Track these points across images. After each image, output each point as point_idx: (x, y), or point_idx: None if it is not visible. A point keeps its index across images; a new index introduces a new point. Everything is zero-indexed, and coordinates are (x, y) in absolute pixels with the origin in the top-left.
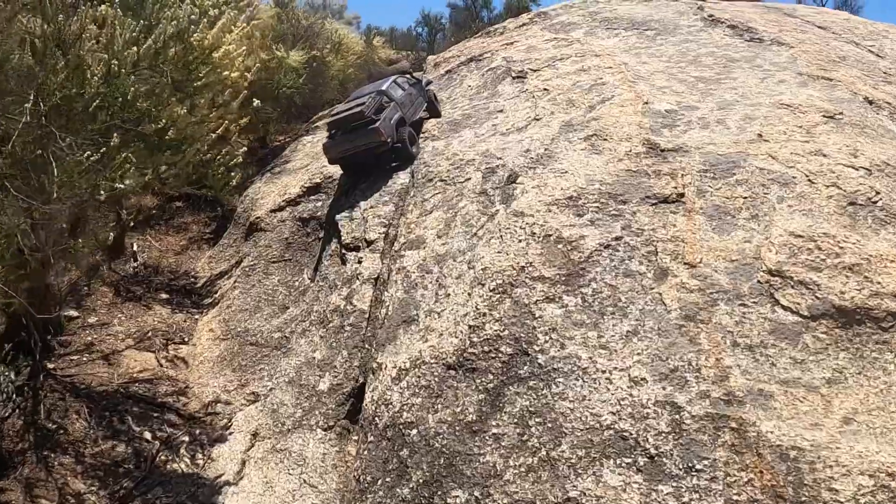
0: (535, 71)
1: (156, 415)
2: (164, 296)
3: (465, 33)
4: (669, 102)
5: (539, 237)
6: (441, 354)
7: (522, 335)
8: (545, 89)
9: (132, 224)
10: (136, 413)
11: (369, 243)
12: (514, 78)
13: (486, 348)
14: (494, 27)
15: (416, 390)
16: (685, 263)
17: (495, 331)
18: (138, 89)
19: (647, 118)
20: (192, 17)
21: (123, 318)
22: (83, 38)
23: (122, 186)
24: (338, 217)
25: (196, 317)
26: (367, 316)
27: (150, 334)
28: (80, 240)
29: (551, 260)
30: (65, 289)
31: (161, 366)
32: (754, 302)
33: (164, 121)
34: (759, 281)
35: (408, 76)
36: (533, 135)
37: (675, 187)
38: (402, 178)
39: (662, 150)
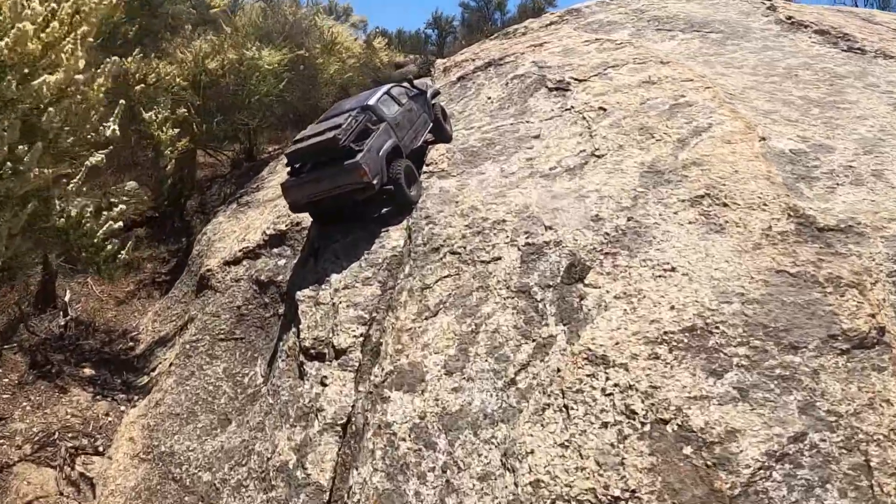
0: (580, 81)
1: None
2: (88, 371)
3: (476, 36)
4: (790, 137)
5: (643, 422)
6: None
7: None
8: (601, 108)
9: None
10: None
11: (339, 352)
12: (550, 89)
13: None
14: (514, 27)
15: None
16: None
17: None
18: None
19: (773, 164)
20: None
21: (29, 408)
22: None
23: None
24: (299, 296)
25: (122, 407)
26: (325, 501)
27: (57, 437)
28: None
29: (673, 486)
30: None
31: (61, 493)
32: None
33: None
34: None
35: (407, 85)
36: (598, 184)
37: (871, 314)
38: (393, 238)
39: (821, 230)
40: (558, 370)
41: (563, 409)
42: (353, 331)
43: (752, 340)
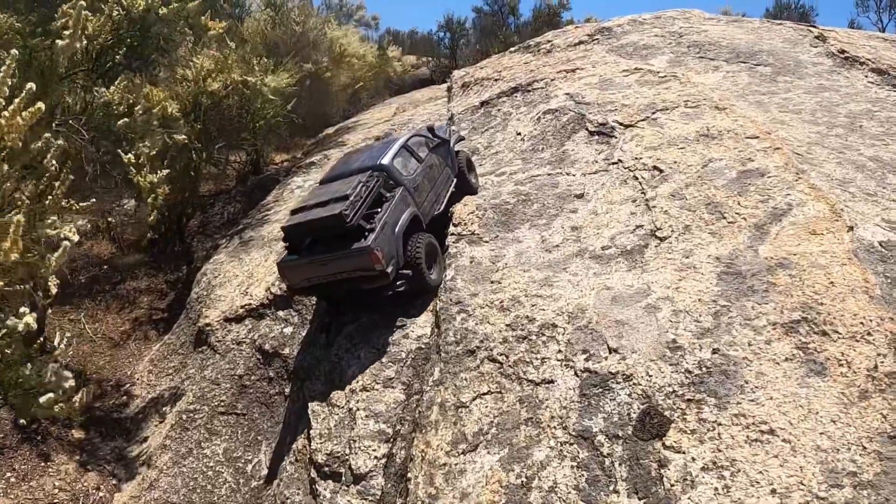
0: (626, 127)
1: None
2: (77, 434)
3: (490, 40)
4: (876, 223)
5: None
6: None
7: None
8: (656, 168)
9: (50, 303)
10: None
11: (357, 477)
12: (591, 133)
13: None
14: (536, 41)
15: None
16: None
17: None
18: None
19: (867, 268)
20: None
21: (13, 480)
22: None
23: None
24: (310, 389)
25: (114, 480)
26: None
27: None
28: None
29: None
30: None
31: None
32: None
33: None
34: None
35: (427, 134)
36: (667, 286)
37: None
38: (419, 325)
39: None
40: None
41: None
42: (375, 450)
43: None
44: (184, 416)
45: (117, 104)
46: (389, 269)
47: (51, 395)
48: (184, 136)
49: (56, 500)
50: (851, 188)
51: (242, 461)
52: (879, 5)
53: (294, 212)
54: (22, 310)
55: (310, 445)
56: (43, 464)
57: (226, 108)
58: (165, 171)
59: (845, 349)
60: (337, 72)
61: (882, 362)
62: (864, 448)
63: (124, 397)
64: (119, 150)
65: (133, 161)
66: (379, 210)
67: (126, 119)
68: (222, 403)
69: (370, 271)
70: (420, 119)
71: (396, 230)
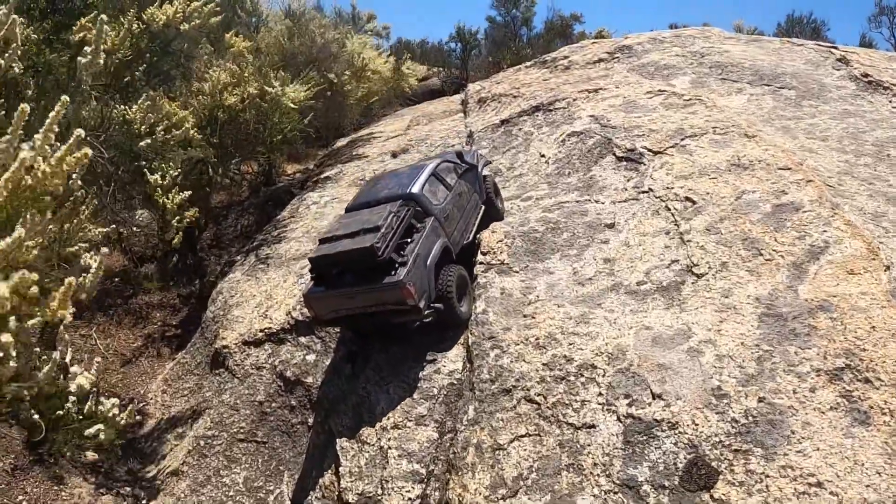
0: (655, 153)
1: None
2: (91, 455)
3: (502, 52)
4: None
5: None
6: None
7: None
8: (688, 199)
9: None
10: None
11: None
12: (619, 159)
13: None
14: (552, 56)
15: None
16: None
17: None
18: None
19: None
20: None
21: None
22: None
23: None
24: (337, 425)
25: None
26: None
27: None
28: None
29: None
30: None
31: None
32: None
33: None
34: None
35: (455, 160)
36: (709, 328)
37: None
38: (450, 359)
39: None
40: None
41: None
42: (408, 491)
43: None
44: (202, 442)
45: (139, 124)
46: (422, 304)
47: (100, 426)
48: (200, 153)
49: None
50: (884, 223)
51: (264, 492)
52: (892, 21)
53: (321, 241)
54: (74, 369)
55: (339, 483)
56: (56, 487)
57: (242, 123)
58: (187, 193)
59: (888, 397)
60: (357, 85)
61: None
62: None
63: (138, 417)
64: (144, 170)
65: (160, 182)
66: (409, 241)
67: (148, 140)
68: (242, 430)
69: (402, 306)
70: (438, 134)
71: (428, 263)
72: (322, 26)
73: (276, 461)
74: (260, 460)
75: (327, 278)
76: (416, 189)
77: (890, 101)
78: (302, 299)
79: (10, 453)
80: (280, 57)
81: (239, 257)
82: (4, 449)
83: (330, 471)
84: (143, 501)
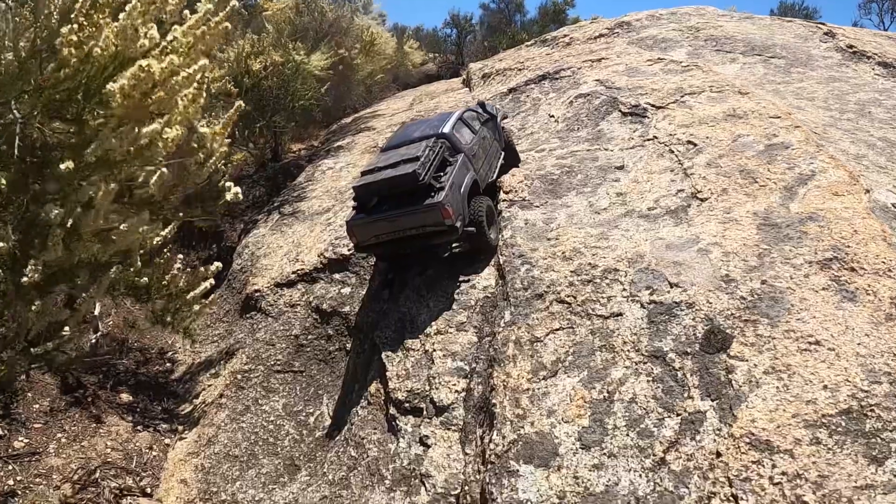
0: (658, 108)
1: None
2: (125, 396)
3: (498, 37)
4: (889, 189)
5: None
6: None
7: None
8: (690, 143)
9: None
10: None
11: (440, 409)
12: (625, 114)
13: None
14: (553, 35)
15: None
16: None
17: None
18: None
19: (884, 222)
20: None
21: (64, 441)
22: None
23: None
24: (380, 337)
25: (166, 440)
26: None
27: (97, 474)
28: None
29: None
30: None
31: None
32: None
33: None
34: None
35: (478, 110)
36: (714, 235)
37: None
38: (483, 278)
39: None
40: (718, 454)
41: (732, 498)
42: (455, 385)
43: None
44: (238, 376)
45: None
46: (458, 224)
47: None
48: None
49: (109, 460)
50: (865, 162)
51: (304, 414)
52: (882, 8)
53: (364, 173)
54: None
55: (386, 387)
56: (94, 425)
57: (265, 89)
58: (228, 141)
59: (871, 282)
60: (365, 60)
61: None
62: (895, 355)
63: (168, 364)
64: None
65: (212, 132)
66: (444, 173)
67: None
68: (278, 362)
69: (440, 226)
70: (446, 106)
71: (462, 190)
72: (332, 2)
73: (315, 387)
74: (298, 388)
75: (368, 207)
76: (447, 129)
77: (873, 69)
78: (333, 241)
79: (46, 396)
80: (292, 30)
81: (261, 216)
82: (40, 393)
83: (375, 382)
84: (183, 431)
